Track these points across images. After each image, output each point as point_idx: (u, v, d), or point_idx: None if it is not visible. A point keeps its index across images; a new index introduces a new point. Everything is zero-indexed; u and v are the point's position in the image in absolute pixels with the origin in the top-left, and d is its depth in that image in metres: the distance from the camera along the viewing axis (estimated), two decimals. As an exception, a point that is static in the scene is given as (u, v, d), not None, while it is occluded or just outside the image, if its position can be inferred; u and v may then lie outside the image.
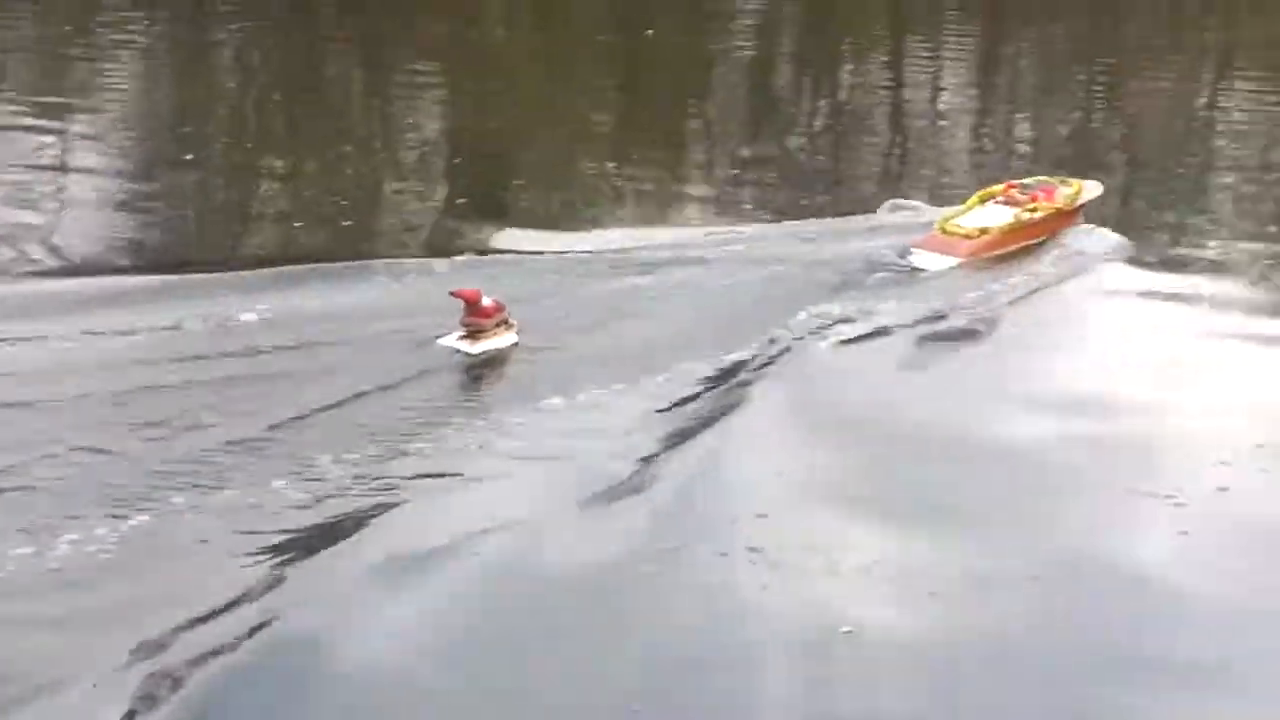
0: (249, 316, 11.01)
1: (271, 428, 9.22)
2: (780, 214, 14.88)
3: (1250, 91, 23.85)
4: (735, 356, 10.54)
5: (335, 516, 8.30)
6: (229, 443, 9.05)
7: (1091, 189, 13.75)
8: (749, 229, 14.14)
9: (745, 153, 19.07)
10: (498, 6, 33.51)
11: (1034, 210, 13.02)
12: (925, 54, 27.89)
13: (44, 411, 9.45)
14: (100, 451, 8.92)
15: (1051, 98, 23.63)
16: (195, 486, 8.53)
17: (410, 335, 10.67)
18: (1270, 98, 23.10)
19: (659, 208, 15.96)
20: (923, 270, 12.24)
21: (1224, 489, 8.84)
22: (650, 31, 29.00)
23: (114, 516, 8.13)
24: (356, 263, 12.73)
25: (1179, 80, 25.19)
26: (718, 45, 28.16)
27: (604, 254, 13.08)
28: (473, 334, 10.30)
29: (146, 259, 13.49)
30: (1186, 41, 30.75)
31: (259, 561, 7.77)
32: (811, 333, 11.08)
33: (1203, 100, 24.12)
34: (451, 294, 10.53)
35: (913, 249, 12.59)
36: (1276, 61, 27.32)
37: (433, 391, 10.01)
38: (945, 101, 22.76)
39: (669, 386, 10.01)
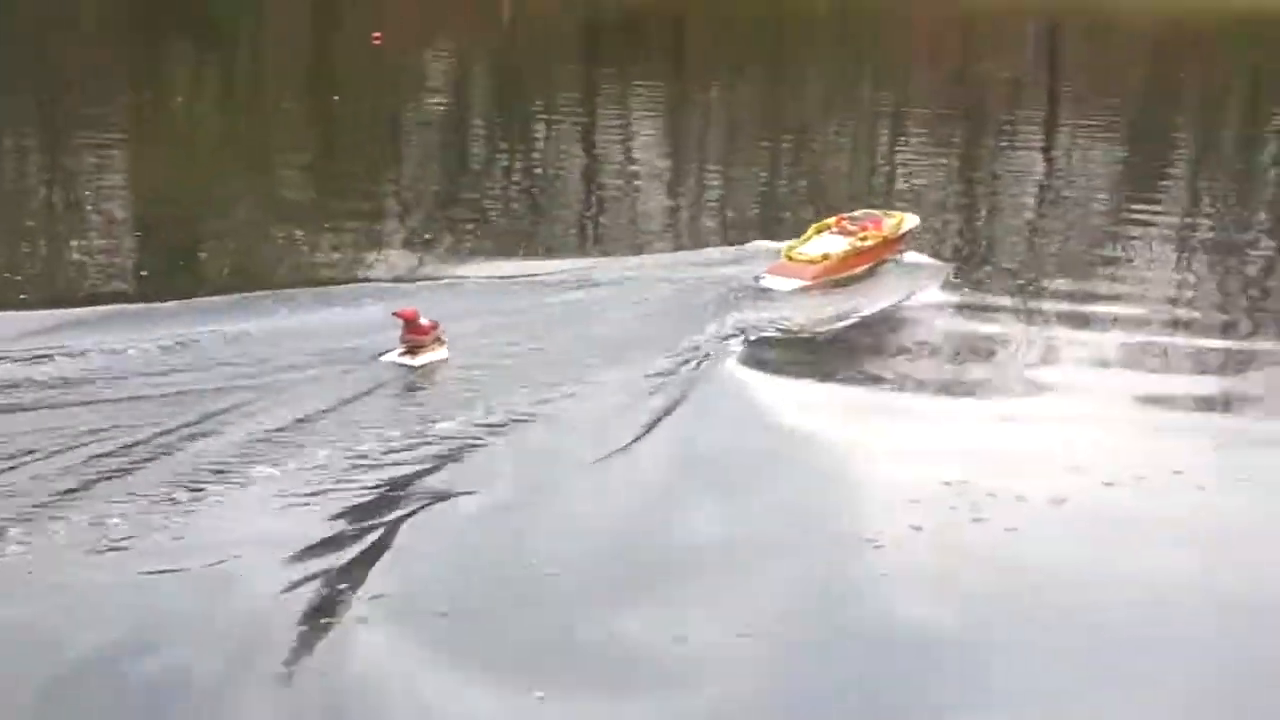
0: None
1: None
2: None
3: (923, 143, 24.99)
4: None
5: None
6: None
7: (911, 220, 15.34)
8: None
9: (442, 208, 18.87)
10: (182, 75, 32.70)
11: (865, 239, 14.47)
12: (617, 116, 28.30)
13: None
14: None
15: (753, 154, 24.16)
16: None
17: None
18: (933, 150, 24.29)
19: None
20: (773, 291, 13.40)
21: (917, 527, 8.84)
22: (337, 97, 28.75)
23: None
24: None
25: (859, 136, 26.27)
26: (408, 110, 28.01)
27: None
28: (412, 349, 10.96)
29: None
30: (859, 102, 32.09)
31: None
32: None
33: (883, 149, 25.18)
34: (393, 314, 11.16)
35: (765, 274, 13.69)
36: (936, 117, 28.76)
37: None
38: (639, 163, 23.13)
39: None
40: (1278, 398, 11.74)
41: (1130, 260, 16.62)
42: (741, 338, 12.31)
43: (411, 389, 10.82)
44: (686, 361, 11.54)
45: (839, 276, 13.94)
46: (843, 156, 25.27)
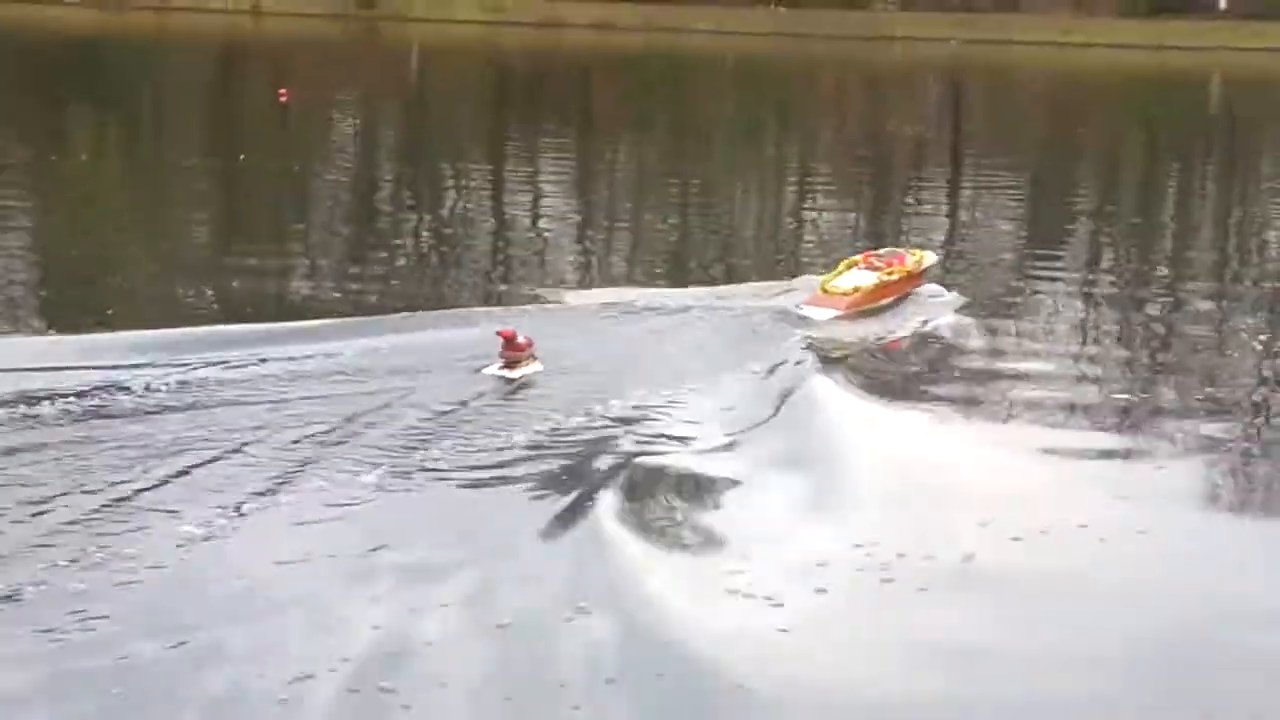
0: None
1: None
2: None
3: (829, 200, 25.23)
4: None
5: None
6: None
7: (930, 257, 16.62)
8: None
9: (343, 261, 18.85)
10: (85, 134, 32.39)
11: (891, 273, 15.62)
12: (526, 170, 28.37)
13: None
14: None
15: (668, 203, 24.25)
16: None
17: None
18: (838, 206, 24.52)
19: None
20: (811, 319, 14.68)
21: (822, 590, 8.78)
22: (243, 156, 28.57)
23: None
24: None
25: (766, 193, 26.50)
26: (315, 170, 27.90)
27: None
28: (510, 364, 12.15)
29: None
30: (764, 158, 32.37)
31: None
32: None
33: (788, 205, 25.38)
34: (496, 332, 12.52)
35: (803, 305, 15.01)
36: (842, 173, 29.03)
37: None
38: (546, 210, 23.26)
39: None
40: (1177, 449, 11.87)
41: (1034, 314, 16.83)
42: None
43: (510, 397, 11.91)
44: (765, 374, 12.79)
45: (867, 307, 15.11)
46: (749, 215, 25.44)
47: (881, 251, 16.46)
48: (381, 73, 57.74)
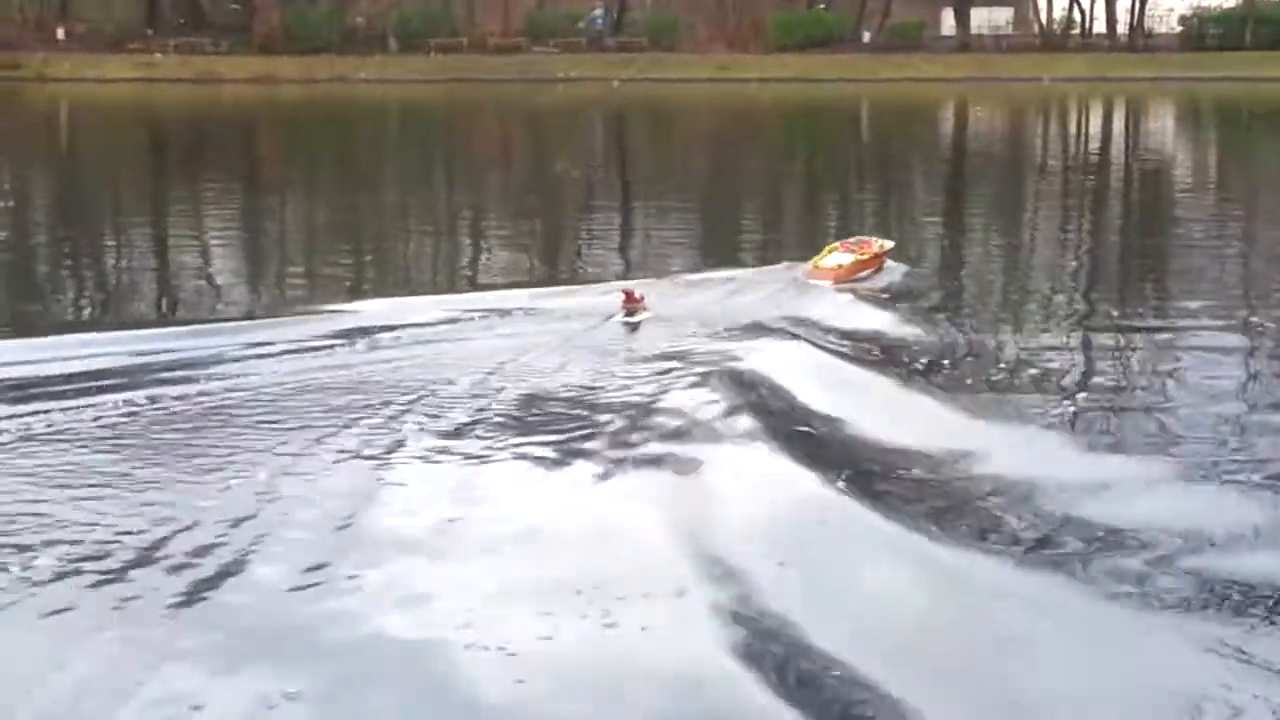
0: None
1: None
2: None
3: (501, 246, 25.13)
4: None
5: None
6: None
7: (889, 243, 20.31)
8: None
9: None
10: None
11: (864, 254, 19.25)
12: (189, 224, 27.38)
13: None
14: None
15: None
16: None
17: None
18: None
19: None
20: (818, 286, 18.17)
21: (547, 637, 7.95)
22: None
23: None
24: None
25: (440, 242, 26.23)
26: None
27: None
28: (630, 311, 15.29)
29: None
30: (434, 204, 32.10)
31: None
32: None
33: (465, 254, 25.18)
34: (621, 290, 15.64)
35: (806, 277, 18.59)
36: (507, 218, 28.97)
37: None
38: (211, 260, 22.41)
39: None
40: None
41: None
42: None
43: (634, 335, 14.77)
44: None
45: (849, 279, 18.56)
46: (437, 249, 25.09)
47: (852, 240, 20.13)
48: (27, 136, 55.15)
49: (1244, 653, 7.82)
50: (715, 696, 7.16)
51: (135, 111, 70.22)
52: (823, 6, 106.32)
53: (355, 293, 19.04)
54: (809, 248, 20.05)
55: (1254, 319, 17.13)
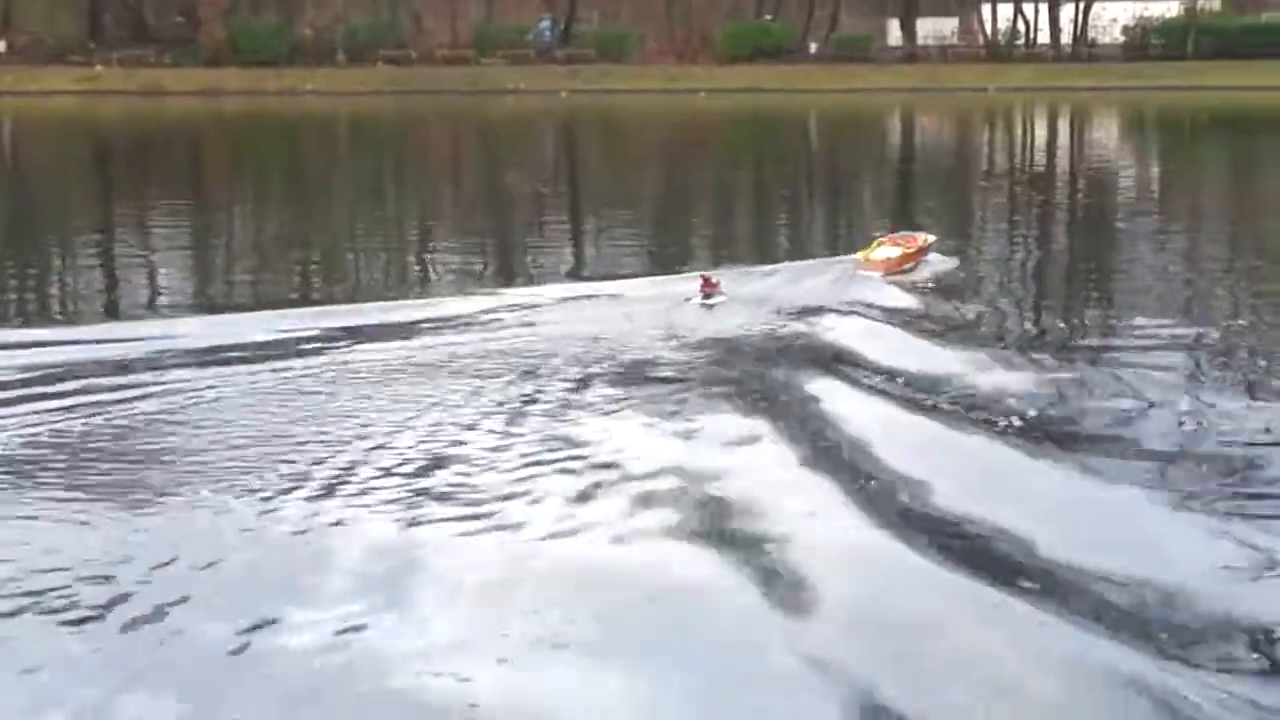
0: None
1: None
2: None
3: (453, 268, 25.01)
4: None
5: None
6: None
7: (932, 237, 21.29)
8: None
9: None
10: None
11: (910, 247, 20.36)
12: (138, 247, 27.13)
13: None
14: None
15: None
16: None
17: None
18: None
19: None
20: (869, 276, 19.08)
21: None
22: None
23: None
24: None
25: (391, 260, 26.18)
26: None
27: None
28: (707, 295, 16.45)
29: None
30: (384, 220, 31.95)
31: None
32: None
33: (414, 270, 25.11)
34: (700, 275, 16.92)
35: (858, 270, 19.39)
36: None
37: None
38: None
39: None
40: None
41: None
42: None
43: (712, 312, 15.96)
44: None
45: (898, 270, 19.53)
46: (394, 263, 24.97)
47: (898, 234, 21.26)
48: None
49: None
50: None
51: (78, 125, 69.65)
52: (770, 18, 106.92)
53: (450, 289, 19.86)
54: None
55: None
